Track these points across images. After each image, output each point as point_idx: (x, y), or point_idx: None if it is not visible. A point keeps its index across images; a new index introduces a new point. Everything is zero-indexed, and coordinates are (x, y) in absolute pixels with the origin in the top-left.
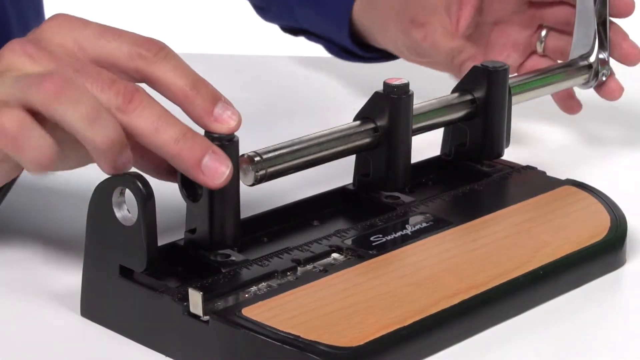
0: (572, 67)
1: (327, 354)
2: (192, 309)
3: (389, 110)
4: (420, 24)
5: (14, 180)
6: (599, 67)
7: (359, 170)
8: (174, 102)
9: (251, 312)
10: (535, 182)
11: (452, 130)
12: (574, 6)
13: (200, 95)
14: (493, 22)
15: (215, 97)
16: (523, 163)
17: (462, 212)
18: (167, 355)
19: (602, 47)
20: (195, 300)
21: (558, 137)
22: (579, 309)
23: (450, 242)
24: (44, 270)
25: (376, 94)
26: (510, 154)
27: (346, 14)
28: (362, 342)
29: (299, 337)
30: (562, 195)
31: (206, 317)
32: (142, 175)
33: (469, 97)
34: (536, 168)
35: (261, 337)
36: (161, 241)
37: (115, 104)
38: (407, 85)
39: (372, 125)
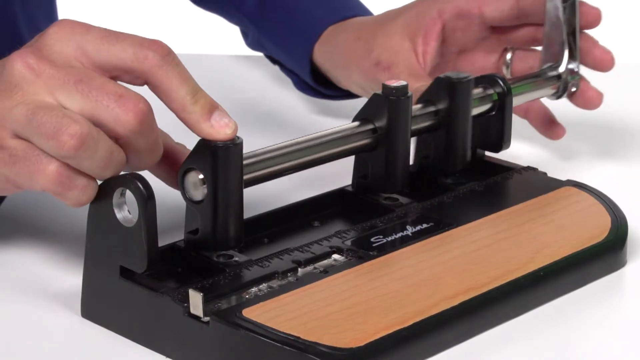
0: (540, 78)
1: (328, 355)
2: (193, 310)
3: (388, 111)
4: (386, 67)
5: None
6: (569, 77)
7: (358, 172)
8: (171, 109)
9: (251, 313)
10: (535, 183)
11: (416, 143)
12: (537, 25)
13: (199, 104)
14: (458, 52)
15: (212, 107)
16: (524, 164)
17: (463, 213)
18: (167, 356)
19: (572, 57)
20: (196, 301)
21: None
22: (580, 309)
23: (451, 243)
24: (45, 271)
25: (375, 95)
26: (511, 155)
27: (306, 56)
28: (362, 343)
29: (299, 338)
30: (562, 196)
31: (206, 318)
32: (142, 176)
33: (431, 108)
34: (537, 169)
35: (261, 338)
36: (161, 242)
37: (125, 122)
38: (406, 87)
39: (370, 127)
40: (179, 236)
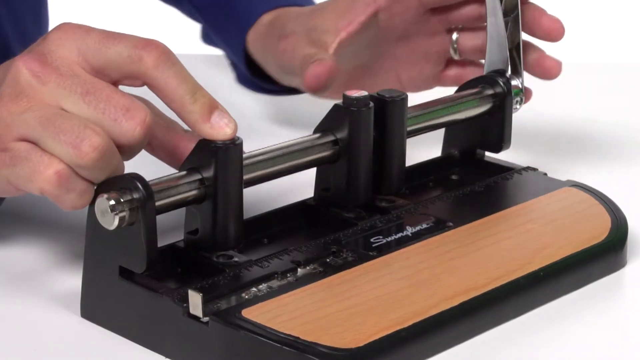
0: (479, 95)
1: (327, 356)
2: (192, 310)
3: (349, 122)
4: (285, 36)
5: None
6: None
7: (320, 185)
8: (172, 108)
9: (251, 313)
10: (536, 183)
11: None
12: (481, 1)
13: (198, 103)
14: (398, 38)
15: (212, 106)
16: (524, 164)
17: (463, 214)
18: (166, 356)
19: (515, 72)
20: (195, 301)
21: (559, 138)
22: (580, 310)
23: (451, 244)
24: (44, 272)
25: (335, 106)
26: (511, 156)
27: (240, 45)
28: (361, 344)
29: (298, 338)
30: (562, 196)
31: (206, 319)
32: (142, 176)
33: (331, 137)
34: (537, 169)
35: (261, 338)
36: (161, 242)
37: (131, 136)
38: (367, 97)
39: (331, 138)
40: (178, 236)
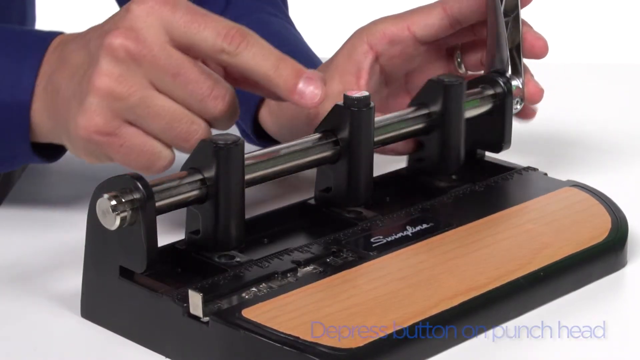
0: (479, 95)
1: (327, 355)
2: (192, 310)
3: (350, 123)
4: (315, 115)
5: (13, 183)
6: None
7: (320, 185)
8: (262, 85)
9: (251, 313)
10: (536, 183)
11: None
12: (475, 25)
13: (282, 76)
14: (405, 74)
15: (298, 74)
16: (524, 164)
17: (463, 214)
18: (167, 356)
19: (515, 72)
20: (195, 301)
21: (559, 138)
22: (580, 310)
23: (451, 244)
24: (45, 272)
25: (336, 106)
26: (512, 156)
27: (249, 115)
28: (361, 344)
29: (298, 338)
30: (563, 196)
31: (206, 319)
32: (142, 176)
33: (424, 111)
34: (537, 169)
35: (261, 338)
36: (161, 242)
37: (212, 112)
38: (367, 97)
39: (332, 138)
40: (179, 236)
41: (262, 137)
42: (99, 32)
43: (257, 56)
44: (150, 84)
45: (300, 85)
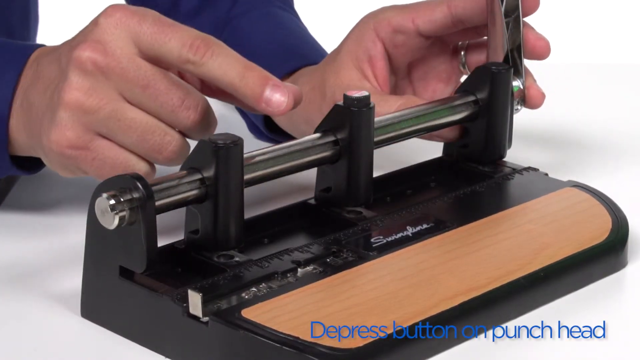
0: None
1: (327, 356)
2: (192, 310)
3: (350, 122)
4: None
5: (13, 183)
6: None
7: (320, 185)
8: (229, 93)
9: (251, 313)
10: (537, 183)
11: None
12: (477, 26)
13: (248, 85)
14: (407, 65)
15: (264, 82)
16: (525, 164)
17: (464, 214)
18: (166, 356)
19: (516, 73)
20: (195, 301)
21: (560, 138)
22: (580, 310)
23: (451, 244)
24: (45, 271)
25: (336, 106)
26: (512, 156)
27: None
28: (361, 344)
29: (298, 338)
30: (563, 196)
31: (205, 318)
32: (142, 176)
33: (471, 98)
34: (538, 170)
35: (261, 338)
36: (161, 242)
37: (185, 123)
38: (367, 97)
39: (332, 138)
40: (178, 236)
41: (274, 131)
42: (69, 46)
43: (222, 65)
44: (120, 97)
45: (267, 92)
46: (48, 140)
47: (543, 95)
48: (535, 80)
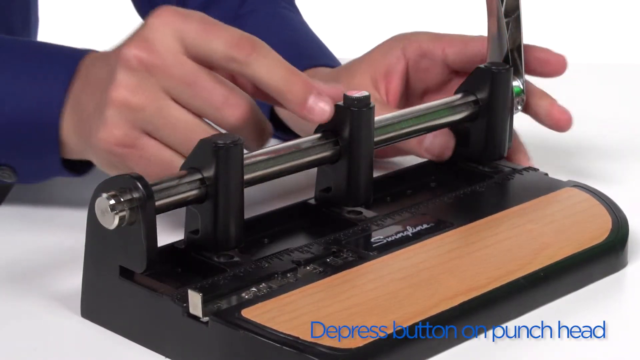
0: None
1: (327, 356)
2: (192, 310)
3: (350, 122)
4: None
5: (13, 183)
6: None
7: (320, 185)
8: (273, 97)
9: (251, 313)
10: (537, 183)
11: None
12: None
13: (292, 90)
14: (421, 93)
15: (308, 90)
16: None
17: (464, 214)
18: (166, 356)
19: (516, 73)
20: (195, 301)
21: (560, 138)
22: (580, 311)
23: (451, 244)
24: (44, 271)
25: (336, 106)
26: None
27: (266, 105)
28: (361, 344)
29: (298, 338)
30: (563, 196)
31: (205, 318)
32: (142, 176)
33: (471, 98)
34: (538, 169)
35: (261, 338)
36: (161, 242)
37: (227, 122)
38: (368, 97)
39: (332, 138)
40: (178, 236)
41: (280, 128)
42: (118, 46)
43: (267, 67)
44: (165, 94)
45: (310, 101)
46: (96, 138)
47: (570, 117)
48: (556, 101)
